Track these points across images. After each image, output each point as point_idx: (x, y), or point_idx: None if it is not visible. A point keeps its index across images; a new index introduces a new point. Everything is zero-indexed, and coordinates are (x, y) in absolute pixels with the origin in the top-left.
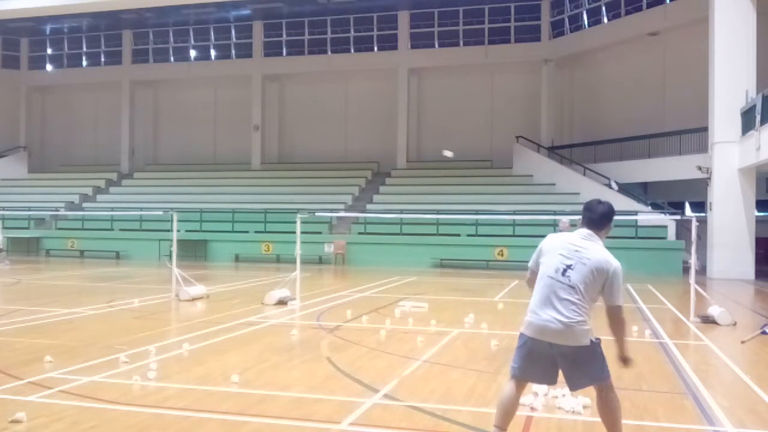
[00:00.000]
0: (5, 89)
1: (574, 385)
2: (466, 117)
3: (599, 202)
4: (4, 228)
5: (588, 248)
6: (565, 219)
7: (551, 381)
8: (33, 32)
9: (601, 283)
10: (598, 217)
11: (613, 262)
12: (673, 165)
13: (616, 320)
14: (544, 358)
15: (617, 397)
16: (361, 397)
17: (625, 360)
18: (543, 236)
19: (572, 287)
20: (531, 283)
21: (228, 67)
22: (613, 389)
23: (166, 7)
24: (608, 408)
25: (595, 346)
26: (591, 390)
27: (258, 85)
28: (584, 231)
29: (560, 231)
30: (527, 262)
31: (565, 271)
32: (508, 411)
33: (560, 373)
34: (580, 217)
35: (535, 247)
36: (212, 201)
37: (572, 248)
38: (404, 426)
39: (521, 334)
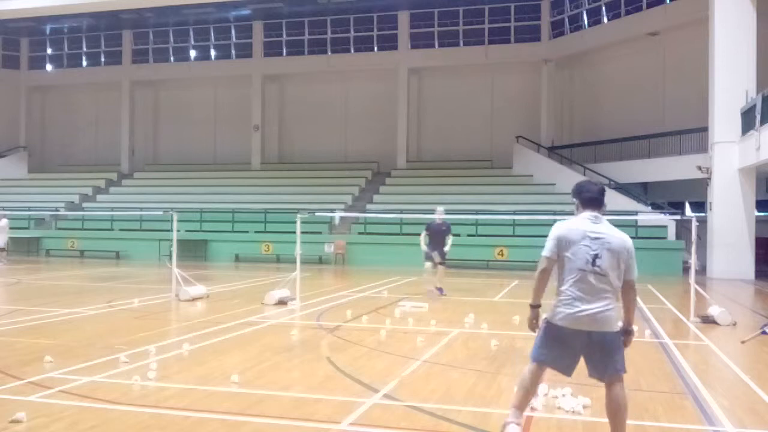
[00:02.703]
0: (5, 89)
1: (603, 372)
2: (466, 117)
3: (592, 182)
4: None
5: (605, 232)
6: (440, 209)
7: (570, 372)
8: (33, 32)
9: (624, 262)
10: (598, 197)
11: (628, 240)
12: (673, 165)
13: (634, 292)
14: (575, 348)
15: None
16: (361, 397)
17: (629, 333)
18: (543, 236)
19: (603, 275)
20: (547, 272)
21: (228, 67)
22: (624, 385)
23: (166, 7)
24: (621, 403)
25: (620, 333)
26: (591, 390)
27: (258, 85)
28: (589, 214)
29: (436, 219)
30: (527, 262)
31: (594, 261)
32: (530, 393)
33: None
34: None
35: (535, 246)
36: (212, 201)
37: (593, 236)
38: (404, 426)
39: (551, 324)
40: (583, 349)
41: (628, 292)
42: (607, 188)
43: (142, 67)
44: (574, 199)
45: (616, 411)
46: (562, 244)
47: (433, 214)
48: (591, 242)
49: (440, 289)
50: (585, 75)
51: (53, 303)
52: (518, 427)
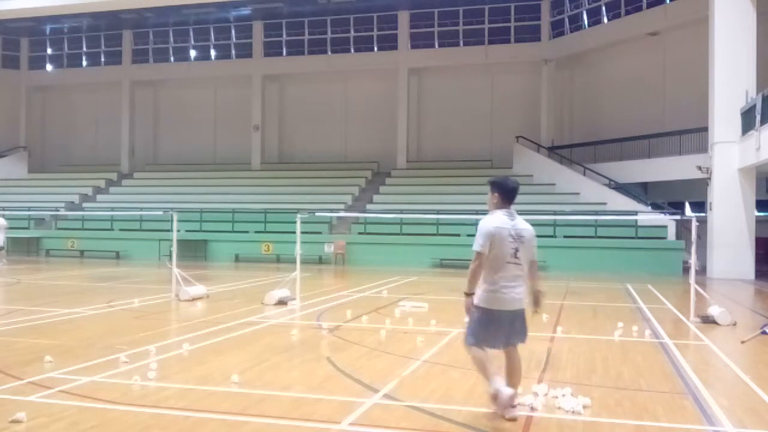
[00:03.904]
0: (5, 89)
1: (514, 341)
2: (466, 117)
3: (509, 178)
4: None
5: (521, 227)
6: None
7: (500, 346)
8: (33, 32)
9: (532, 249)
10: (516, 193)
11: (533, 230)
12: (673, 165)
13: (537, 269)
14: (504, 326)
15: None
16: (361, 397)
17: (539, 294)
18: (543, 236)
19: (521, 265)
20: (481, 266)
21: (228, 67)
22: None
23: (166, 7)
24: (519, 363)
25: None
26: (591, 390)
27: (258, 85)
28: (506, 210)
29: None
30: None
31: (515, 254)
32: (489, 364)
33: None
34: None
35: (536, 246)
36: (212, 201)
37: (513, 232)
38: (404, 426)
39: (488, 310)
40: (508, 325)
41: (532, 267)
42: (607, 188)
43: (142, 67)
44: (495, 192)
45: (516, 370)
46: (494, 241)
47: (434, 214)
48: (512, 239)
49: None
50: (585, 75)
51: (53, 303)
52: (507, 388)
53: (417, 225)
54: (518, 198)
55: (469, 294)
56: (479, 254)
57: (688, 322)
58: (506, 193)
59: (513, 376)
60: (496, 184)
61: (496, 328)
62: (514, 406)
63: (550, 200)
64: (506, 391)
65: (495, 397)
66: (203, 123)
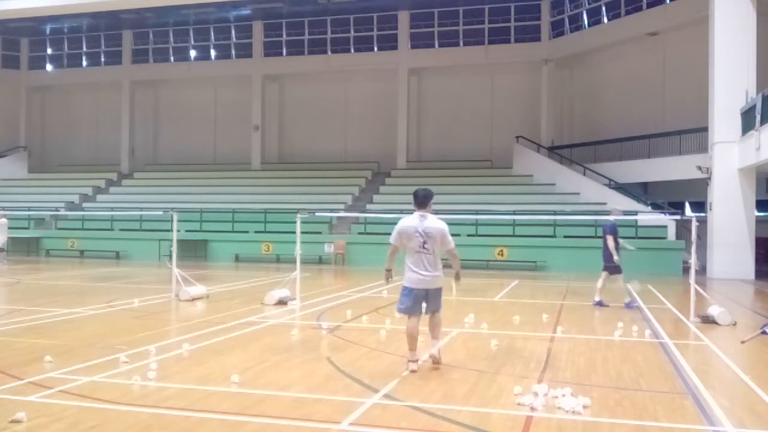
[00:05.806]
0: (5, 89)
1: (434, 309)
2: (466, 117)
3: (420, 189)
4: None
5: (429, 226)
6: (618, 208)
7: (420, 313)
8: (33, 32)
9: (441, 241)
10: (422, 199)
11: (442, 225)
12: (673, 165)
13: (454, 256)
14: (420, 299)
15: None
16: (361, 397)
17: (458, 276)
18: (543, 236)
19: (431, 254)
20: (394, 252)
21: (228, 67)
22: (440, 314)
23: (166, 7)
24: (437, 322)
25: (441, 288)
26: (591, 390)
27: (258, 85)
28: (418, 213)
29: (613, 217)
30: (527, 261)
31: (424, 245)
32: (415, 337)
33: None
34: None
35: (536, 246)
36: (212, 201)
37: (420, 230)
38: (404, 426)
39: (408, 288)
40: (424, 299)
41: (451, 256)
42: (607, 188)
43: (142, 67)
44: (413, 200)
45: (435, 326)
46: (403, 236)
47: (434, 214)
48: (420, 235)
49: (630, 302)
50: (585, 75)
51: (53, 303)
52: (416, 364)
53: None
54: (518, 198)
55: (387, 269)
56: (391, 245)
57: (688, 322)
58: (416, 200)
59: (433, 330)
60: (413, 194)
61: (414, 299)
62: (415, 361)
63: (550, 200)
64: (412, 365)
65: (409, 363)
66: (203, 123)
